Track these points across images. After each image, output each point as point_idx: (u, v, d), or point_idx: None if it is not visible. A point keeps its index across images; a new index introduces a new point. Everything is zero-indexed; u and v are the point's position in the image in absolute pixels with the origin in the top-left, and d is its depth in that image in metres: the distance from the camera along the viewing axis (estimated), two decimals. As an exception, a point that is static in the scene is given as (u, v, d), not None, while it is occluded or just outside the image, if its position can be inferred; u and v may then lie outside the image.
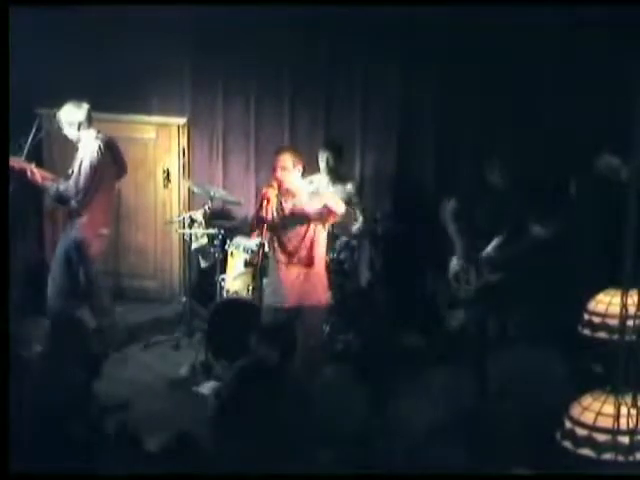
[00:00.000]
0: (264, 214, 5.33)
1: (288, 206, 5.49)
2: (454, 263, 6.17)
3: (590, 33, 6.38)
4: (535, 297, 6.00)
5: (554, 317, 5.62)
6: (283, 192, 5.45)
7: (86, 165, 6.32)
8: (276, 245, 5.51)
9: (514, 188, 6.03)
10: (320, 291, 5.60)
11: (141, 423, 4.68)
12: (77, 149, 6.45)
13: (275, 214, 5.43)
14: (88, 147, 6.38)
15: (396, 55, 7.28)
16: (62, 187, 6.37)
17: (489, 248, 6.04)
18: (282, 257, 5.48)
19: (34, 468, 3.60)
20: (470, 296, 6.12)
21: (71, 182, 6.35)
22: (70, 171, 6.42)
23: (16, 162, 6.24)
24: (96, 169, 6.35)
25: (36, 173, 6.32)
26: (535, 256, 5.84)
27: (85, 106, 6.38)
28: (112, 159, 6.56)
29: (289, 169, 5.43)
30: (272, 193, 5.38)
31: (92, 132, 6.43)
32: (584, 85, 6.61)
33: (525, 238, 5.86)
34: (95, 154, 6.35)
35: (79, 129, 6.38)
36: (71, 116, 6.37)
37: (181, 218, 7.12)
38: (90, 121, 6.42)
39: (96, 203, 6.43)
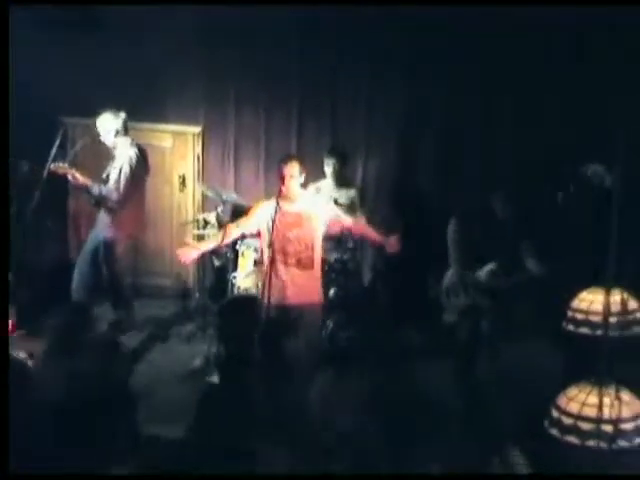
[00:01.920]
0: (272, 218, 5.48)
1: (288, 210, 5.59)
2: (447, 278, 6.18)
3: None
4: (523, 315, 5.96)
5: (544, 316, 5.54)
6: (288, 197, 5.63)
7: (126, 170, 6.71)
8: (277, 247, 5.58)
9: (514, 212, 6.04)
10: (316, 291, 5.79)
11: (157, 412, 4.90)
12: (113, 156, 6.80)
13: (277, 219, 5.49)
14: (126, 153, 6.76)
15: (400, 65, 7.49)
16: (104, 191, 6.72)
17: (482, 273, 6.02)
18: (281, 258, 5.59)
19: (34, 468, 3.49)
20: (459, 311, 6.14)
21: (111, 185, 6.71)
22: (105, 176, 6.78)
23: (60, 168, 6.64)
24: (134, 174, 6.75)
25: (78, 178, 6.71)
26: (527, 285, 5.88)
27: (122, 115, 6.78)
28: (144, 164, 6.95)
29: (296, 177, 5.63)
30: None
31: (127, 139, 6.83)
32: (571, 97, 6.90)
33: (520, 273, 5.90)
34: (134, 160, 6.75)
35: (116, 136, 6.78)
36: (109, 124, 6.77)
37: (195, 220, 7.42)
38: (127, 129, 6.82)
39: (130, 205, 6.82)
